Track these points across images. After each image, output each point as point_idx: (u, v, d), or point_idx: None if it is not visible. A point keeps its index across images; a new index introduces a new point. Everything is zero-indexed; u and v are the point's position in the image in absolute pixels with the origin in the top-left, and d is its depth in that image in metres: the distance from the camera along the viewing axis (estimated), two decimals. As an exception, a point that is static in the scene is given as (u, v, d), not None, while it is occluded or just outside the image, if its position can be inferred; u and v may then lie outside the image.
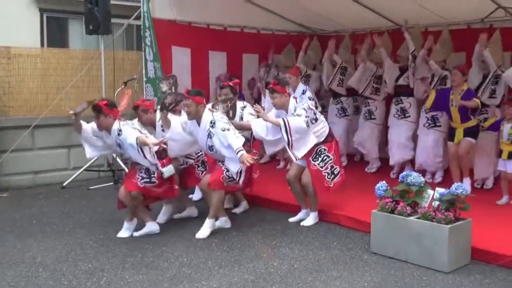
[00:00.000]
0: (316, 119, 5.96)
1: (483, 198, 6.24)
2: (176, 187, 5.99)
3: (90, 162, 8.14)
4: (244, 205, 6.75)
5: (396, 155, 7.93)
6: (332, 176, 6.04)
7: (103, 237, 5.72)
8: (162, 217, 6.29)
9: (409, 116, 7.83)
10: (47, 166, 8.45)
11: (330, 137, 6.10)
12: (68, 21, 10.77)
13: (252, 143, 6.45)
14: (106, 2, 8.31)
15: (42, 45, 10.25)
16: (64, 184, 8.23)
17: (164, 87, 6.43)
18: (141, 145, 5.50)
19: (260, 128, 6.10)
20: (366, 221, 5.49)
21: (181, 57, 8.27)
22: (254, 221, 6.31)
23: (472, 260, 4.94)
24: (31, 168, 8.36)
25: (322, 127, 6.03)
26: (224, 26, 8.93)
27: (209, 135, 5.70)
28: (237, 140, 5.55)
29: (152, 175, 5.73)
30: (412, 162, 7.91)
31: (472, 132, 6.81)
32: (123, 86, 8.41)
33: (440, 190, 4.97)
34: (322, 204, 6.30)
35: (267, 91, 6.38)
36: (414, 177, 5.08)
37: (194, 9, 8.32)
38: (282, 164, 8.63)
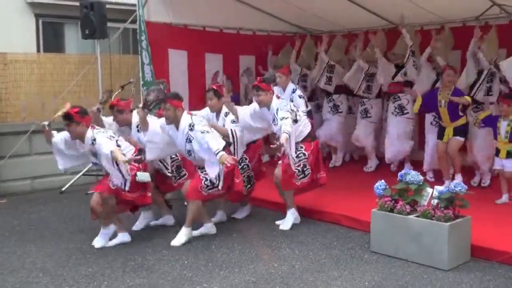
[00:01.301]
0: (296, 121, 5.85)
1: (482, 196, 6.26)
2: (150, 194, 5.72)
3: (88, 167, 8.13)
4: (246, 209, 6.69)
5: (391, 152, 7.99)
6: (302, 175, 5.97)
7: (103, 241, 5.70)
8: (139, 224, 6.18)
9: (407, 113, 7.89)
10: (45, 171, 8.42)
11: (309, 138, 6.05)
12: (64, 26, 10.74)
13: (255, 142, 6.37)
14: (102, 7, 8.31)
15: (38, 50, 10.22)
16: (63, 189, 8.23)
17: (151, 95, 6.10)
18: (113, 160, 5.28)
19: (246, 115, 6.04)
20: (366, 221, 5.49)
21: (177, 60, 8.27)
22: (254, 222, 6.31)
23: (472, 257, 4.95)
24: (29, 174, 8.35)
25: (301, 130, 5.96)
26: (220, 28, 8.95)
27: (188, 139, 5.51)
28: (216, 141, 5.38)
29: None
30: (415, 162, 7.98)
31: (461, 131, 6.87)
32: (120, 90, 8.38)
33: (439, 188, 4.98)
34: (320, 205, 6.30)
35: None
36: (413, 176, 5.09)
37: (189, 11, 8.34)
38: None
